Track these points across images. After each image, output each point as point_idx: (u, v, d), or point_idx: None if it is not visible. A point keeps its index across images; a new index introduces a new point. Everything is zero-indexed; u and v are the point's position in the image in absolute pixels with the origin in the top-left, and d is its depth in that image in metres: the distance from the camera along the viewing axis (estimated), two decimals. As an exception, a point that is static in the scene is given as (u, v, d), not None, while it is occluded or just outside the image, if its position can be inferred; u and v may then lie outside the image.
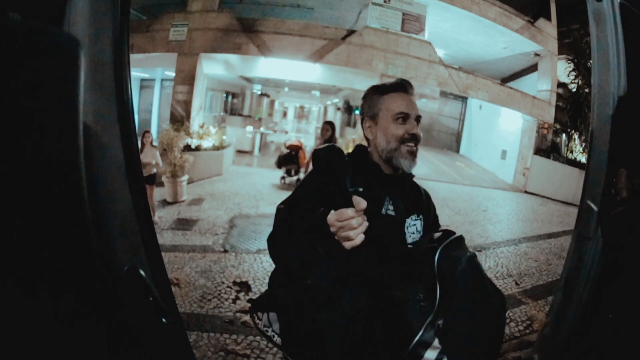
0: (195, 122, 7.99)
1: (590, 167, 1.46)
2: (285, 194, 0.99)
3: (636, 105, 1.27)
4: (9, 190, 0.48)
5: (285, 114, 28.64)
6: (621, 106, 1.28)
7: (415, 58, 8.32)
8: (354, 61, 8.04)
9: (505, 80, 11.74)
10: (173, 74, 8.57)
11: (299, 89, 16.90)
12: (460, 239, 0.89)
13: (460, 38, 9.91)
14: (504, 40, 9.55)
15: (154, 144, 4.54)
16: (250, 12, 9.45)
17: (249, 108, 16.77)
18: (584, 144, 9.20)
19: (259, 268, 3.29)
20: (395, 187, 1.00)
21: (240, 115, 15.06)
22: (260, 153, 10.79)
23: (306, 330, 0.82)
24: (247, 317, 2.38)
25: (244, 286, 2.93)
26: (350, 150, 1.07)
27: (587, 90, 8.89)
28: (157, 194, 5.04)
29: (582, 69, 9.13)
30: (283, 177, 7.11)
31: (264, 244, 3.82)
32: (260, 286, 2.96)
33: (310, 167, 4.01)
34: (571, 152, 9.48)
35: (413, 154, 0.97)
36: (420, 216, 1.02)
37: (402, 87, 1.00)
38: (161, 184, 5.27)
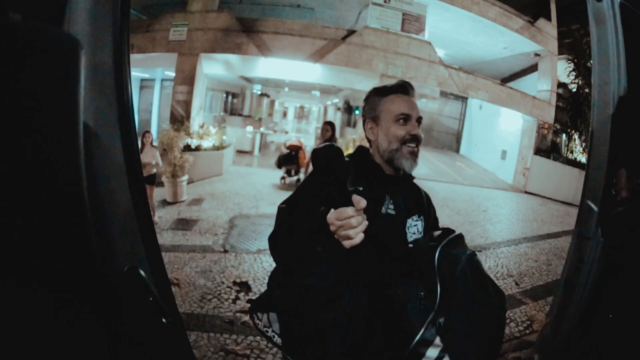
0: (195, 122, 7.99)
1: (590, 167, 1.46)
2: (286, 194, 0.99)
3: (636, 105, 1.27)
4: (9, 190, 0.48)
5: (285, 114, 28.62)
6: (621, 106, 1.28)
7: (415, 58, 8.32)
8: (354, 61, 8.04)
9: (505, 80, 11.75)
10: (173, 74, 8.57)
11: (299, 89, 16.90)
12: (460, 237, 0.89)
13: (460, 38, 9.92)
14: (504, 40, 9.55)
15: (154, 144, 4.54)
16: (250, 12, 9.46)
17: (249, 108, 16.77)
18: (584, 144, 9.21)
19: (259, 268, 3.29)
20: (397, 188, 1.00)
21: (241, 115, 15.07)
22: (260, 153, 10.79)
23: (306, 330, 0.82)
24: (247, 317, 2.38)
25: (244, 286, 2.93)
26: (350, 151, 1.07)
27: (587, 90, 8.89)
28: (157, 194, 5.04)
29: (582, 69, 9.14)
30: (283, 177, 7.11)
31: (264, 244, 3.82)
32: (260, 286, 2.96)
33: (311, 167, 4.02)
34: (571, 152, 9.48)
35: (414, 155, 0.98)
36: (422, 217, 1.03)
37: (403, 88, 1.01)
38: (161, 184, 5.27)
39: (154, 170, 4.36)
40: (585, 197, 1.46)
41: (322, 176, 0.85)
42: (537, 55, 9.87)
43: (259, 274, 3.16)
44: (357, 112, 13.74)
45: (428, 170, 10.18)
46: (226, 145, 7.72)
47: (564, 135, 9.73)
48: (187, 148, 6.49)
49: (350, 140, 7.83)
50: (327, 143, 0.95)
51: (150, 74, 11.37)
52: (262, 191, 6.42)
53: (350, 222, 0.70)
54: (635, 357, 1.25)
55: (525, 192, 9.34)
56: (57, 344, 0.56)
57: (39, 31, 0.52)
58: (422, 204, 1.06)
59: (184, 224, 4.38)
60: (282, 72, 9.29)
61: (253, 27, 8.10)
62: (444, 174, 10.26)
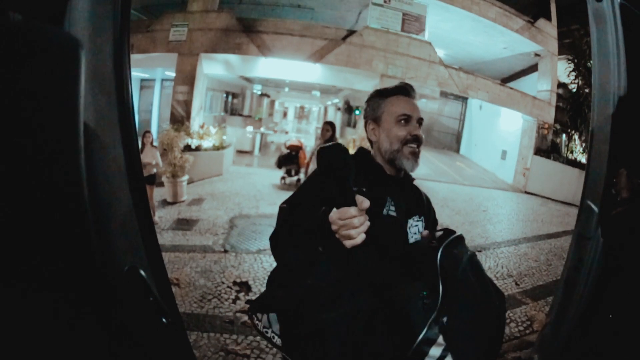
0: (195, 122, 7.99)
1: (590, 167, 1.46)
2: (286, 194, 0.99)
3: (636, 105, 1.27)
4: (9, 190, 0.48)
5: (285, 114, 28.63)
6: (621, 106, 1.28)
7: (415, 58, 8.32)
8: (354, 61, 8.04)
9: (505, 80, 11.74)
10: (173, 74, 8.57)
11: (299, 89, 16.89)
12: (461, 237, 0.90)
13: (460, 38, 9.92)
14: (504, 40, 9.55)
15: (155, 144, 4.54)
16: (251, 12, 9.46)
17: (249, 108, 16.77)
18: (584, 144, 9.20)
19: (259, 268, 3.29)
20: (398, 188, 1.01)
21: (241, 115, 15.06)
22: (261, 153, 10.79)
23: (307, 330, 0.82)
24: (247, 318, 2.38)
25: (244, 286, 2.93)
26: (351, 151, 1.08)
27: (587, 90, 8.89)
28: (157, 194, 5.04)
29: (582, 69, 9.14)
30: (283, 177, 7.11)
31: (264, 244, 3.82)
32: (260, 286, 2.96)
33: (311, 167, 4.00)
34: (571, 152, 9.48)
35: (415, 155, 0.99)
36: (422, 217, 1.04)
37: (404, 90, 1.03)
38: (161, 184, 5.27)
39: (154, 170, 4.36)
40: (585, 197, 1.46)
41: (325, 176, 0.85)
42: (537, 55, 9.87)
43: (259, 274, 3.16)
44: (357, 112, 13.74)
45: (428, 170, 10.17)
46: (226, 146, 7.72)
47: (564, 135, 9.73)
48: (187, 148, 6.49)
49: (350, 141, 7.83)
50: (333, 142, 0.96)
51: (150, 74, 11.38)
52: (262, 191, 6.42)
53: (352, 222, 0.70)
54: (635, 357, 1.25)
55: (525, 192, 9.33)
56: (57, 343, 0.56)
57: (39, 31, 0.52)
58: (422, 205, 1.07)
59: (184, 224, 4.38)
60: (282, 72, 9.29)
61: (253, 27, 8.11)
62: (444, 174, 10.26)
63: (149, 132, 4.42)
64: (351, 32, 8.29)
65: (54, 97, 0.53)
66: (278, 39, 8.02)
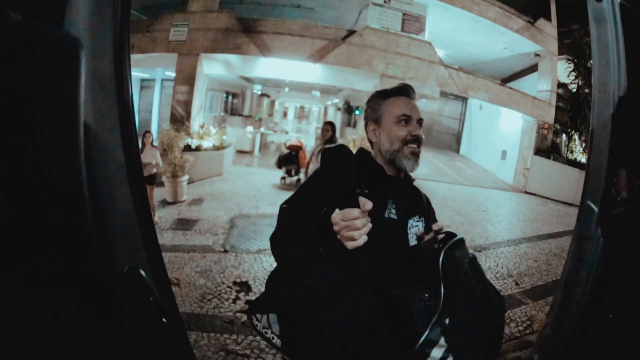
0: (195, 122, 7.99)
1: (590, 167, 1.46)
2: (286, 194, 0.99)
3: (636, 105, 1.27)
4: (10, 190, 0.48)
5: (285, 114, 28.64)
6: (621, 106, 1.28)
7: (415, 58, 8.32)
8: (354, 61, 8.04)
9: (505, 80, 11.75)
10: (173, 74, 8.57)
11: (299, 89, 16.90)
12: (462, 240, 0.91)
13: (461, 38, 9.92)
14: (504, 40, 9.55)
15: (155, 144, 4.54)
16: (251, 12, 9.46)
17: (249, 108, 16.77)
18: (584, 144, 9.21)
19: (259, 268, 3.29)
20: (398, 189, 1.01)
21: (241, 115, 15.06)
22: (261, 153, 10.79)
23: (307, 331, 0.81)
24: (246, 318, 2.38)
25: (244, 286, 2.93)
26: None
27: (587, 90, 8.90)
28: (158, 194, 5.04)
29: (582, 70, 9.14)
30: (283, 177, 7.12)
31: (264, 244, 3.82)
32: (260, 286, 2.96)
33: (311, 167, 3.99)
34: (571, 152, 9.48)
35: (415, 155, 1.00)
36: (422, 218, 1.04)
37: (404, 91, 1.04)
38: (161, 184, 5.27)
39: (154, 170, 4.36)
40: (585, 197, 1.46)
41: (327, 176, 0.86)
42: (537, 55, 9.87)
43: (259, 274, 3.16)
44: (357, 112, 13.74)
45: (428, 171, 10.17)
46: (226, 146, 7.72)
47: (564, 135, 9.73)
48: (188, 148, 6.49)
49: (350, 140, 7.82)
50: (338, 144, 0.97)
51: (150, 74, 11.38)
52: (262, 191, 6.42)
53: (355, 224, 0.70)
54: (635, 357, 1.25)
55: (525, 192, 9.34)
56: (58, 343, 0.56)
57: (39, 31, 0.52)
58: (422, 206, 1.07)
59: (184, 224, 4.38)
60: (282, 72, 9.29)
61: (253, 27, 8.11)
62: (444, 174, 10.26)
63: (149, 132, 4.41)
64: (351, 32, 8.29)
65: (54, 97, 0.53)
66: (278, 39, 8.02)
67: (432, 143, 14.86)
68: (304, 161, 6.83)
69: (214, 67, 8.91)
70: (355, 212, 0.71)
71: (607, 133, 1.33)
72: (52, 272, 0.54)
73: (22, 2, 0.53)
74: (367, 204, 0.71)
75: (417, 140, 0.99)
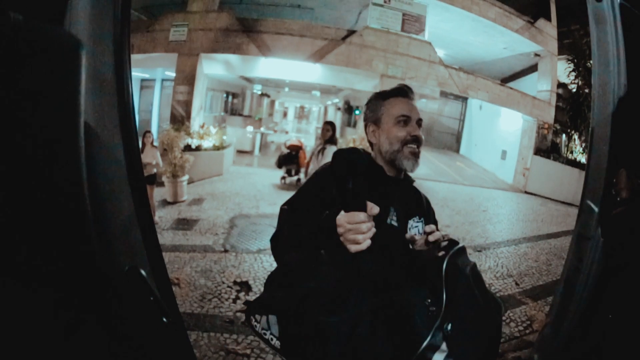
0: (195, 122, 7.99)
1: (590, 168, 1.46)
2: (286, 194, 1.00)
3: (636, 105, 1.27)
4: (10, 190, 0.48)
5: (285, 114, 28.63)
6: (621, 106, 1.28)
7: (415, 58, 8.32)
8: (354, 61, 8.03)
9: (505, 80, 11.74)
10: (173, 74, 8.57)
11: (299, 89, 16.89)
12: (463, 248, 0.92)
13: (460, 38, 9.91)
14: (504, 40, 9.55)
15: (155, 144, 4.54)
16: (251, 12, 9.46)
17: (249, 108, 16.77)
18: (583, 144, 9.20)
19: (259, 268, 3.29)
20: (398, 190, 1.01)
21: (241, 115, 15.06)
22: (261, 153, 10.79)
23: (308, 333, 0.82)
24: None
25: (244, 286, 2.93)
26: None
27: (587, 90, 8.89)
28: (158, 194, 5.04)
29: (582, 70, 9.13)
30: (283, 177, 7.12)
31: (264, 244, 3.82)
32: (260, 286, 2.96)
33: (311, 167, 3.99)
34: (571, 152, 9.48)
35: (415, 155, 1.00)
36: (422, 219, 1.04)
37: (403, 92, 1.04)
38: (161, 184, 5.27)
39: (155, 170, 4.36)
40: (585, 197, 1.46)
41: (339, 178, 0.87)
42: (537, 55, 9.87)
43: (259, 274, 3.16)
44: (357, 112, 13.74)
45: (428, 171, 10.17)
46: (226, 145, 7.72)
47: (563, 135, 9.73)
48: (188, 148, 6.49)
49: (350, 140, 7.82)
50: (351, 146, 0.99)
51: (150, 74, 11.38)
52: (263, 191, 6.42)
53: (360, 227, 0.71)
54: (635, 357, 1.25)
55: (525, 192, 9.33)
56: (58, 343, 0.56)
57: (39, 31, 0.52)
58: (422, 207, 1.08)
59: (184, 224, 4.38)
60: (282, 72, 9.29)
61: (253, 27, 8.10)
62: (444, 174, 10.26)
63: (149, 132, 4.42)
64: (351, 32, 8.29)
65: (55, 97, 0.53)
66: (278, 39, 8.02)
67: (432, 143, 14.86)
68: (304, 161, 6.83)
69: (214, 67, 8.91)
70: (361, 215, 0.71)
71: (607, 133, 1.33)
72: (53, 272, 0.54)
73: (23, 2, 0.53)
74: (373, 209, 0.72)
75: (417, 141, 0.99)
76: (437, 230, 1.13)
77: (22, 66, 0.48)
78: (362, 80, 8.90)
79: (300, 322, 0.83)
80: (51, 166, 0.53)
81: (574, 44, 9.39)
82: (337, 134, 4.36)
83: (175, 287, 2.77)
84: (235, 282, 2.96)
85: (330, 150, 3.60)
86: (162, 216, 4.61)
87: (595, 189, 1.40)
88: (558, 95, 9.72)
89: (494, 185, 9.82)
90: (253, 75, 11.12)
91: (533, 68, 10.50)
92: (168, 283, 0.86)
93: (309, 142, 10.69)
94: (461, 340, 0.81)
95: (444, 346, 0.79)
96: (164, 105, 11.02)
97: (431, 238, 0.87)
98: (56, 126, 0.54)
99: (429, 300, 0.83)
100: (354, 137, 7.77)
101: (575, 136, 9.44)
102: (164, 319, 0.73)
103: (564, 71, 9.51)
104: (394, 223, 0.96)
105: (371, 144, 1.08)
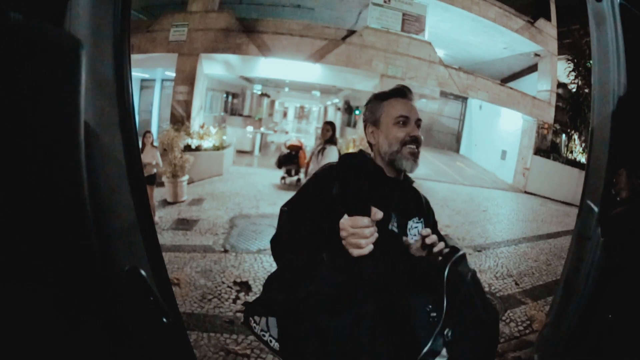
0: (195, 123, 7.99)
1: (590, 167, 1.46)
2: (286, 194, 1.00)
3: (636, 105, 1.27)
4: (10, 190, 0.48)
5: (285, 114, 28.63)
6: (621, 106, 1.28)
7: (415, 58, 8.31)
8: (354, 61, 8.03)
9: (505, 80, 11.74)
10: (173, 74, 8.56)
11: (299, 89, 16.89)
12: (464, 255, 0.93)
13: (460, 38, 9.91)
14: (503, 40, 9.55)
15: (155, 144, 4.54)
16: (251, 13, 9.46)
17: (249, 108, 16.77)
18: (583, 144, 9.20)
19: (259, 268, 3.29)
20: (398, 192, 1.01)
21: (241, 115, 15.06)
22: (261, 153, 10.79)
23: (308, 336, 0.82)
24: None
25: (244, 286, 2.93)
26: (351, 151, 1.10)
27: (587, 90, 8.89)
28: (158, 194, 5.04)
29: (582, 70, 9.13)
30: (283, 177, 7.12)
31: (264, 244, 3.82)
32: (260, 286, 2.96)
33: (311, 167, 3.98)
34: (571, 152, 9.48)
35: (414, 156, 0.99)
36: (422, 219, 1.04)
37: (402, 92, 1.04)
38: (161, 184, 5.27)
39: (155, 170, 4.36)
40: (585, 197, 1.47)
41: (344, 182, 0.87)
42: (537, 55, 9.87)
43: (259, 274, 3.16)
44: (357, 112, 13.73)
45: (428, 171, 10.17)
46: (226, 146, 7.72)
47: (563, 135, 9.73)
48: (188, 148, 6.49)
49: (350, 141, 7.82)
50: (358, 150, 0.99)
51: (150, 74, 11.37)
52: (263, 191, 6.42)
53: (363, 232, 0.71)
54: (635, 357, 1.25)
55: (525, 192, 9.33)
56: (58, 343, 0.56)
57: (40, 31, 0.52)
58: (421, 207, 1.08)
59: (184, 224, 4.38)
60: (282, 72, 9.29)
61: (253, 27, 8.10)
62: (444, 174, 10.26)
63: (149, 132, 4.42)
64: (351, 32, 8.29)
65: (55, 97, 0.53)
66: (278, 39, 8.02)
67: (432, 143, 14.86)
68: (304, 161, 6.83)
69: (214, 67, 8.91)
70: (365, 220, 0.72)
71: (607, 133, 1.33)
72: (53, 272, 0.54)
73: (23, 2, 0.53)
74: (377, 214, 0.72)
75: (416, 141, 0.99)
76: (437, 230, 1.13)
77: (22, 66, 0.48)
78: (362, 80, 8.90)
79: (300, 325, 0.83)
80: (51, 166, 0.53)
81: (573, 44, 9.39)
82: (337, 134, 4.36)
83: (175, 288, 2.77)
84: (235, 282, 2.96)
85: (330, 150, 3.59)
86: (162, 216, 4.61)
87: (595, 189, 1.41)
88: (558, 95, 9.72)
89: (494, 185, 9.82)
90: (253, 75, 11.12)
91: (533, 68, 10.50)
92: (168, 283, 0.86)
93: (309, 142, 10.69)
94: (461, 346, 0.82)
95: (444, 352, 0.81)
96: (164, 106, 11.02)
97: (428, 241, 0.87)
98: (56, 126, 0.54)
99: (430, 307, 0.85)
100: (354, 137, 7.77)
101: (575, 136, 9.44)
102: (164, 319, 0.73)
103: (564, 71, 9.51)
104: (395, 229, 0.97)
105: (370, 145, 1.07)
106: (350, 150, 6.67)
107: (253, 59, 8.49)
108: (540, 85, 9.90)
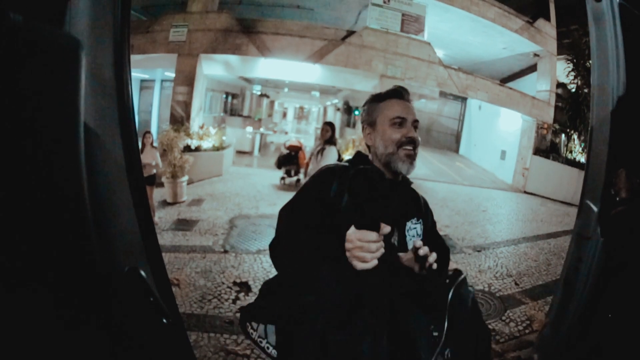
0: (195, 123, 7.98)
1: (589, 167, 1.47)
2: (285, 195, 1.00)
3: (635, 105, 1.27)
4: (10, 190, 0.48)
5: (285, 115, 28.64)
6: (620, 106, 1.28)
7: (414, 58, 8.32)
8: (354, 62, 8.04)
9: (504, 80, 11.75)
10: (173, 75, 8.56)
11: (299, 89, 16.89)
12: (465, 279, 0.95)
13: (460, 38, 9.92)
14: (503, 40, 9.56)
15: (154, 144, 4.54)
16: (250, 13, 9.46)
17: (249, 109, 16.77)
18: (583, 144, 9.21)
19: (259, 268, 3.29)
20: (396, 192, 1.01)
21: (240, 115, 15.07)
22: (260, 154, 10.79)
23: (309, 347, 0.81)
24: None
25: (244, 286, 2.93)
26: (350, 152, 1.10)
27: (586, 90, 8.90)
28: (157, 194, 5.04)
29: (581, 69, 9.14)
30: (283, 178, 7.12)
31: (264, 245, 3.82)
32: (260, 287, 2.96)
33: (310, 167, 3.98)
34: (570, 152, 9.49)
35: (411, 157, 0.98)
36: (420, 220, 1.04)
37: (398, 93, 1.03)
38: (161, 185, 5.27)
39: (154, 170, 4.36)
40: (585, 197, 1.47)
41: (355, 196, 0.88)
42: (536, 55, 9.87)
43: (259, 275, 3.16)
44: (356, 112, 13.74)
45: (427, 171, 10.18)
46: (226, 146, 7.72)
47: (563, 135, 9.74)
48: (187, 149, 6.49)
49: (350, 141, 7.82)
50: (373, 165, 1.00)
51: (150, 75, 11.38)
52: (262, 192, 6.42)
53: (370, 246, 0.71)
54: (635, 357, 1.25)
55: (525, 192, 9.34)
56: (58, 344, 0.56)
57: (39, 31, 0.52)
58: (420, 208, 1.07)
59: (184, 225, 4.37)
60: (282, 73, 9.28)
61: (253, 28, 8.10)
62: (443, 174, 10.26)
63: (149, 132, 4.41)
64: (351, 33, 8.29)
65: (54, 97, 0.53)
66: (278, 40, 8.02)
67: (432, 143, 14.87)
68: (304, 161, 6.83)
69: (214, 68, 8.91)
70: (373, 235, 0.72)
71: (606, 133, 1.33)
72: (52, 272, 0.54)
73: (22, 3, 0.53)
74: (385, 229, 0.73)
75: (413, 142, 0.97)
76: (436, 230, 1.13)
77: (22, 67, 0.48)
78: (362, 80, 8.90)
79: (301, 335, 0.83)
80: (51, 166, 0.53)
81: (573, 44, 9.40)
82: (337, 135, 4.36)
83: (175, 288, 2.77)
84: (235, 283, 2.96)
85: (330, 150, 3.59)
86: (162, 217, 4.61)
87: (595, 189, 1.41)
88: (557, 95, 9.73)
89: (494, 186, 9.82)
90: (252, 75, 11.12)
91: (532, 68, 10.51)
92: (168, 284, 0.86)
93: (309, 143, 10.69)
94: None
95: None
96: (163, 106, 11.02)
97: (421, 252, 0.85)
98: (56, 127, 0.54)
99: (433, 326, 0.86)
100: (354, 138, 7.76)
101: (575, 136, 9.45)
102: (164, 320, 0.73)
103: (563, 71, 9.52)
104: (396, 243, 0.97)
105: (368, 146, 1.07)
106: (350, 150, 6.67)
107: (252, 60, 8.49)
108: (539, 85, 9.91)
